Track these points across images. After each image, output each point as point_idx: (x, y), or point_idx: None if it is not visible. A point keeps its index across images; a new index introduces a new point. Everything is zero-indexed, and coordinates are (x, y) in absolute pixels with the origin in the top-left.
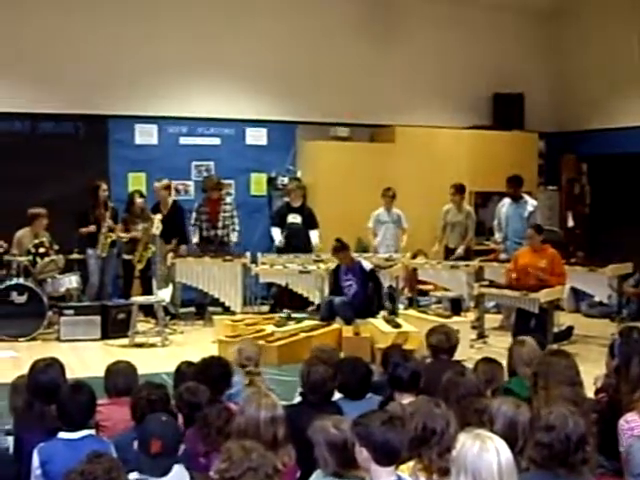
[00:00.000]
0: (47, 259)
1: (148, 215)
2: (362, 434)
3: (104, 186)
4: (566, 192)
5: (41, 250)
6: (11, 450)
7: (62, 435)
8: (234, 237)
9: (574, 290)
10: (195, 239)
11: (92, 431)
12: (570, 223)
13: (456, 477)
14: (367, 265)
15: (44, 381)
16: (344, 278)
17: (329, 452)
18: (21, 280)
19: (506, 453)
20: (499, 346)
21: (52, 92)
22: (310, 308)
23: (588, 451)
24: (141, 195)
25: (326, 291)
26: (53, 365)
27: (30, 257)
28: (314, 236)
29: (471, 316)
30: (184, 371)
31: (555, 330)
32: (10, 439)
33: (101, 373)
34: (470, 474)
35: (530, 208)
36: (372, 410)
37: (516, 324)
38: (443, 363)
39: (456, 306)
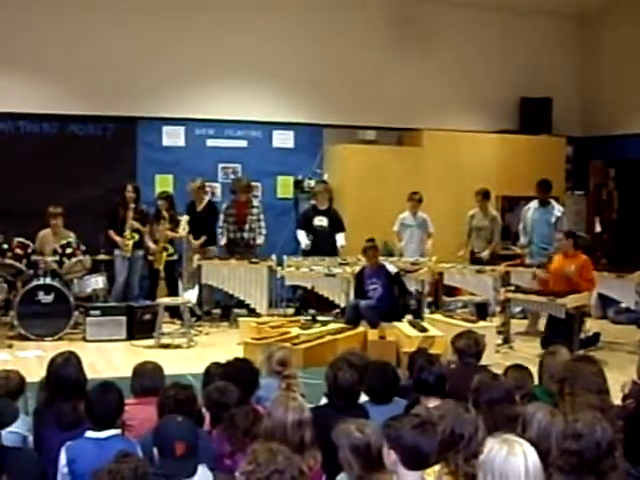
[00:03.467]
0: (74, 259)
1: (174, 216)
2: (393, 437)
3: (129, 187)
4: (593, 197)
5: (68, 251)
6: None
7: (89, 434)
8: (260, 240)
9: (601, 296)
10: (223, 241)
11: (119, 431)
12: (597, 229)
13: None
14: (392, 268)
15: (63, 376)
16: (369, 282)
17: (353, 456)
18: (48, 280)
19: (534, 458)
20: (525, 351)
21: (81, 94)
22: (335, 311)
23: (617, 457)
24: (166, 197)
25: (352, 294)
26: (71, 360)
27: (57, 257)
28: (340, 238)
29: (497, 321)
30: (213, 372)
31: (582, 336)
32: (31, 437)
33: (126, 373)
34: (497, 478)
35: (557, 213)
36: (404, 413)
37: (547, 329)
38: (470, 367)
39: (482, 311)
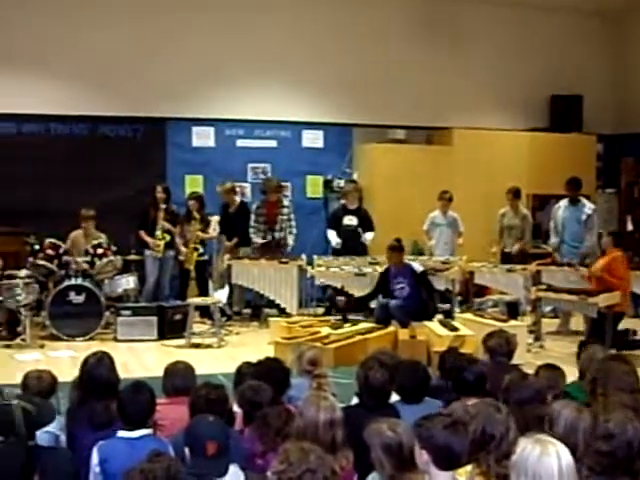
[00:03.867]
0: (105, 260)
1: (205, 217)
2: (424, 437)
3: (159, 188)
4: (625, 195)
5: (99, 251)
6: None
7: (121, 434)
8: (291, 240)
9: (634, 295)
10: (258, 239)
11: (150, 430)
12: (629, 227)
13: None
14: (418, 267)
15: (96, 376)
16: (395, 281)
17: (385, 455)
18: (79, 280)
19: (567, 458)
20: (556, 350)
21: (111, 95)
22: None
23: None
24: (197, 197)
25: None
26: (104, 360)
27: (88, 258)
28: (367, 237)
29: (528, 320)
30: (244, 372)
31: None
32: (64, 436)
33: (157, 373)
34: (530, 479)
35: (588, 211)
36: (435, 413)
37: (589, 329)
38: (501, 367)
39: (513, 310)
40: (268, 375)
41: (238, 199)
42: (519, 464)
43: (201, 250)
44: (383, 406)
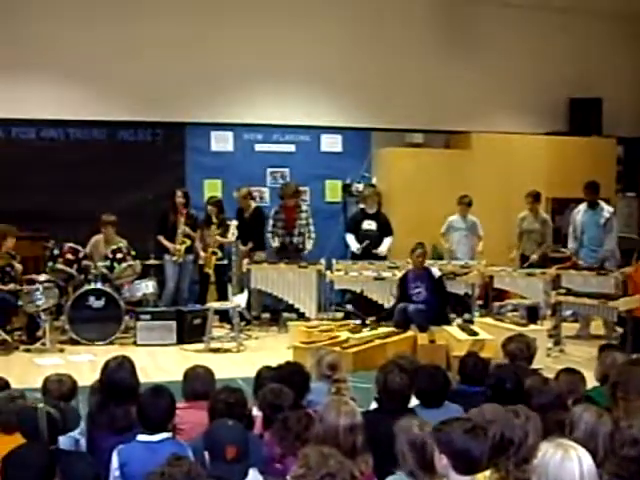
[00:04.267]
0: (124, 264)
1: (224, 221)
2: (443, 441)
3: (179, 192)
4: None
5: (119, 256)
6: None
7: (141, 437)
8: (309, 244)
9: None
10: (275, 244)
11: (170, 434)
12: None
13: None
14: (436, 272)
15: (117, 380)
16: (412, 285)
17: (409, 449)
18: (99, 285)
19: (588, 463)
20: (576, 355)
21: (130, 100)
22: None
23: None
24: (216, 202)
25: (393, 299)
26: (124, 364)
27: (108, 262)
28: (385, 243)
29: (548, 324)
30: (264, 376)
31: None
32: (84, 440)
33: (177, 377)
34: None
35: (606, 215)
36: (455, 417)
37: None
38: (521, 371)
39: (532, 314)
40: (288, 379)
41: (253, 204)
42: (540, 468)
43: (220, 254)
44: (403, 410)
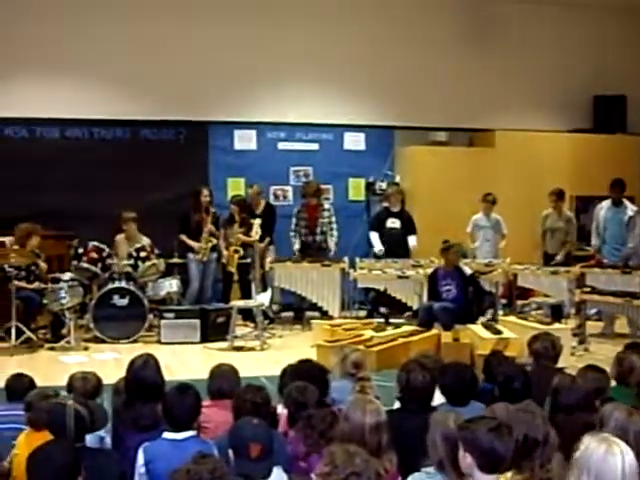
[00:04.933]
0: (148, 263)
1: (247, 220)
2: (468, 439)
3: (205, 191)
4: None
5: (142, 254)
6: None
7: (166, 435)
8: (332, 244)
9: None
10: (297, 245)
11: (195, 432)
12: None
13: (577, 479)
14: (467, 270)
15: (143, 378)
16: (442, 283)
17: (441, 441)
18: (123, 284)
19: (631, 458)
20: (601, 353)
21: (153, 99)
22: (407, 314)
23: None
24: (239, 201)
25: (425, 296)
26: (150, 362)
27: (132, 261)
28: (412, 240)
29: (572, 323)
30: (289, 373)
31: None
32: (109, 438)
33: (200, 375)
34: (593, 476)
35: (630, 213)
36: (479, 416)
37: None
38: (546, 370)
39: (557, 312)
40: (307, 377)
41: (263, 202)
42: (582, 462)
43: (242, 253)
44: (426, 409)
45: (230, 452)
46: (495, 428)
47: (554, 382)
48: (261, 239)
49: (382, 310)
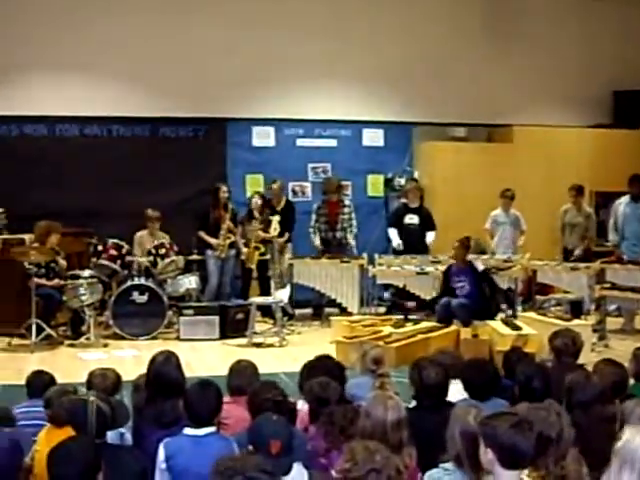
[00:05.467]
0: (167, 260)
1: (266, 217)
2: (489, 435)
3: (224, 188)
4: None
5: (162, 251)
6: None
7: (187, 431)
8: (351, 239)
9: None
10: (317, 241)
11: (215, 428)
12: None
13: (619, 470)
14: (480, 266)
15: (164, 374)
16: (456, 279)
17: (460, 435)
18: (142, 280)
19: None
20: (621, 349)
21: (172, 97)
22: (416, 313)
23: None
24: (261, 197)
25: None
26: (171, 359)
27: (151, 258)
28: (429, 236)
29: (592, 319)
30: (308, 370)
31: None
32: (129, 434)
33: (220, 372)
34: (637, 469)
35: None
36: (500, 411)
37: None
38: (567, 366)
39: (576, 309)
40: (325, 373)
41: (284, 198)
42: (625, 453)
43: (263, 249)
44: (442, 405)
45: (250, 448)
46: (516, 424)
47: (567, 380)
48: (280, 235)
49: (409, 304)
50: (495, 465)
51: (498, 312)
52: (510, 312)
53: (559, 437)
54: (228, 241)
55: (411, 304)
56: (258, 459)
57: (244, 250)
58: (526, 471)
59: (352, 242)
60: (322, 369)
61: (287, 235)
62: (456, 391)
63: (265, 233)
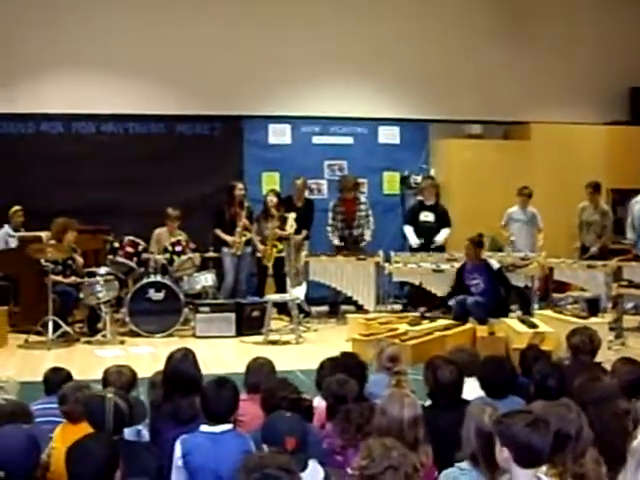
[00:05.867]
0: (184, 257)
1: (282, 214)
2: (505, 433)
3: (240, 185)
4: None
5: (178, 248)
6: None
7: (204, 428)
8: (368, 235)
9: None
10: (336, 241)
11: (231, 425)
12: None
13: (635, 470)
14: (494, 264)
15: (182, 371)
16: (470, 277)
17: (474, 434)
18: (158, 277)
19: None
20: (638, 347)
21: (188, 94)
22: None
23: None
24: (276, 195)
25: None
26: (188, 356)
27: (167, 255)
28: (441, 235)
29: (609, 317)
30: (328, 366)
31: None
32: (145, 431)
33: (236, 369)
34: None
35: None
36: (516, 410)
37: None
38: (584, 365)
39: (593, 306)
40: (346, 370)
41: (305, 195)
42: None
43: (280, 246)
44: (457, 403)
45: (264, 447)
46: (532, 422)
47: (577, 380)
48: (297, 232)
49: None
50: (511, 464)
51: (509, 311)
52: (520, 312)
53: (578, 435)
54: (244, 238)
55: (422, 309)
56: (284, 458)
57: (260, 247)
58: (544, 468)
59: (368, 237)
60: (342, 366)
61: (305, 232)
62: (472, 389)
63: (281, 230)
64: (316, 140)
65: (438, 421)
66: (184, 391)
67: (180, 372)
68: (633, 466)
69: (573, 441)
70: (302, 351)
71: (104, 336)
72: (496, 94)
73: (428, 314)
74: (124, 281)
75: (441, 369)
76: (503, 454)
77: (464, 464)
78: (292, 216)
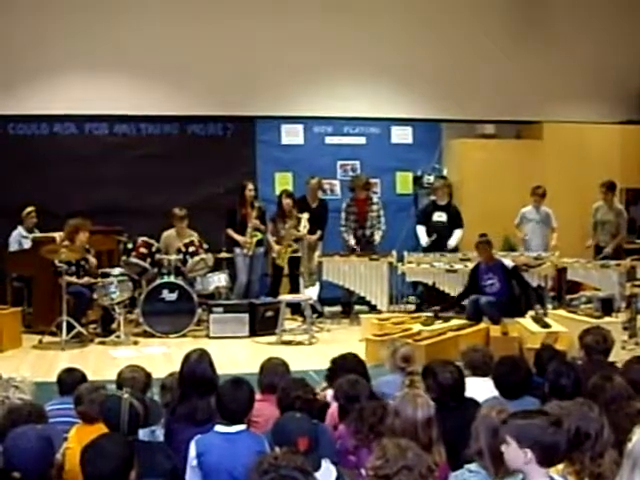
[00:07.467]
0: (197, 258)
1: (296, 214)
2: (527, 436)
3: (250, 186)
4: None
5: (191, 249)
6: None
7: (219, 428)
8: (377, 236)
9: None
10: (351, 241)
11: (245, 426)
12: None
13: (630, 472)
14: (509, 263)
15: (198, 372)
16: (485, 277)
17: (483, 432)
18: (172, 278)
19: None
20: None
21: (201, 95)
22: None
23: None
24: (289, 195)
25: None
26: (204, 357)
27: (180, 256)
28: (454, 237)
29: (622, 317)
30: (332, 367)
31: None
32: (160, 432)
33: (249, 370)
34: None
35: None
36: (531, 410)
37: None
38: (597, 364)
39: (607, 306)
40: (349, 370)
41: (319, 196)
42: (637, 454)
43: (295, 247)
44: (462, 402)
45: (277, 449)
46: (555, 422)
47: (590, 380)
48: (311, 233)
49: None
50: (532, 465)
51: (529, 309)
52: (542, 310)
53: (598, 435)
54: (255, 239)
55: (435, 309)
56: (299, 458)
57: (275, 248)
58: (560, 466)
59: (377, 239)
60: (345, 366)
61: (319, 233)
62: (486, 389)
63: (295, 231)
64: (329, 140)
65: (445, 423)
66: (201, 392)
67: (197, 373)
68: (628, 468)
69: (592, 440)
70: (315, 351)
71: (118, 337)
72: (509, 94)
73: (441, 314)
74: (138, 282)
75: (442, 373)
76: (526, 455)
77: (473, 466)
78: (305, 216)
